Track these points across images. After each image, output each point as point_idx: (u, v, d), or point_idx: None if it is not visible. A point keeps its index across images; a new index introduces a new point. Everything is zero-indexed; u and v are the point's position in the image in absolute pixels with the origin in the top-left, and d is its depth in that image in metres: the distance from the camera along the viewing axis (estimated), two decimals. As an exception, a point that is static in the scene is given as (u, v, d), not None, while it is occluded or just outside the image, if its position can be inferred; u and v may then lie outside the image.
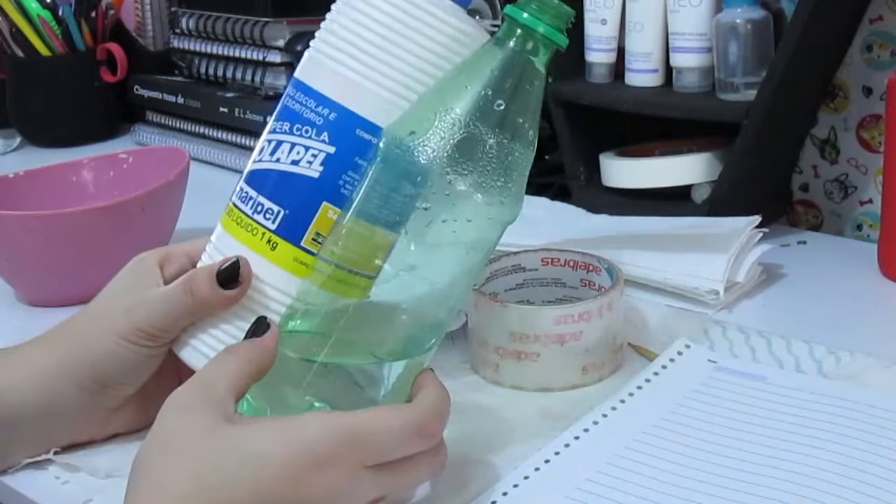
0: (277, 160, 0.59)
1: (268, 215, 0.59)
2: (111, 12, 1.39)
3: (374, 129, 0.57)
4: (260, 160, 0.60)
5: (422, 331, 0.57)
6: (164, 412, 0.51)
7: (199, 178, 0.98)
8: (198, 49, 1.31)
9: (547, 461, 0.60)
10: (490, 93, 0.54)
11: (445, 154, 0.53)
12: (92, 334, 0.61)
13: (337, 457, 0.49)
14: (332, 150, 0.58)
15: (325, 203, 0.58)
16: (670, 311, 0.79)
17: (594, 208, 0.97)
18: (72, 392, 0.60)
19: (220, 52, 1.28)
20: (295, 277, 0.58)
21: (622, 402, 0.66)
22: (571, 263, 0.76)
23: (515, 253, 0.77)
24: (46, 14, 1.33)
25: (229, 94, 1.25)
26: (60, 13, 1.34)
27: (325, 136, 0.58)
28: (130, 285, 0.62)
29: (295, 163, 0.58)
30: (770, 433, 0.61)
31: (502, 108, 0.54)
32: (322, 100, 0.58)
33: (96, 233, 0.83)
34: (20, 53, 1.34)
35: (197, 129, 1.29)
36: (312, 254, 0.58)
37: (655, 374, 0.69)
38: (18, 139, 1.39)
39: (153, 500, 0.48)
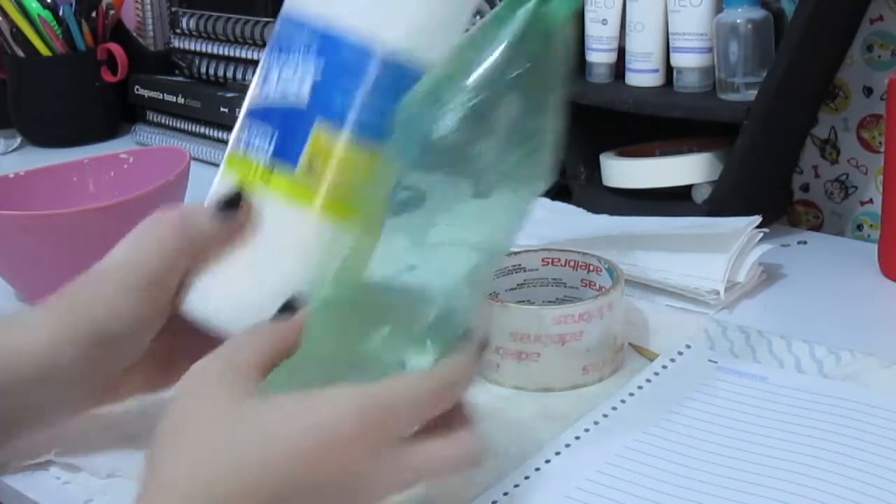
0: (266, 96, 0.58)
1: (260, 148, 0.57)
2: (111, 12, 1.39)
3: (363, 49, 0.55)
4: (250, 98, 0.59)
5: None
6: (180, 392, 0.49)
7: (199, 178, 0.98)
8: (198, 49, 1.31)
9: (547, 461, 0.60)
10: (508, 61, 0.52)
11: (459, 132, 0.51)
12: (91, 290, 0.58)
13: (357, 436, 0.46)
14: (319, 77, 0.56)
15: (316, 125, 0.56)
16: (671, 311, 0.79)
17: (594, 208, 0.97)
18: (71, 352, 0.57)
19: (220, 52, 1.28)
20: (292, 209, 0.56)
21: (622, 402, 0.66)
22: (572, 263, 0.76)
23: (515, 253, 0.77)
24: (47, 14, 1.33)
25: (230, 94, 1.25)
26: (61, 13, 1.34)
27: (311, 61, 0.56)
28: (127, 241, 0.60)
29: (283, 94, 0.57)
30: (770, 433, 0.61)
31: (522, 78, 0.51)
32: (305, 25, 0.57)
33: (96, 233, 0.83)
34: (21, 53, 1.34)
35: (197, 129, 1.29)
36: (307, 182, 0.55)
37: (656, 374, 0.69)
38: (19, 139, 1.39)
39: (163, 492, 0.46)
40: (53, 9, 1.34)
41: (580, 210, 0.98)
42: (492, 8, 1.07)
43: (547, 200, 0.99)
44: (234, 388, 0.48)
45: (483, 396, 0.68)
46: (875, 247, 0.86)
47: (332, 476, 0.46)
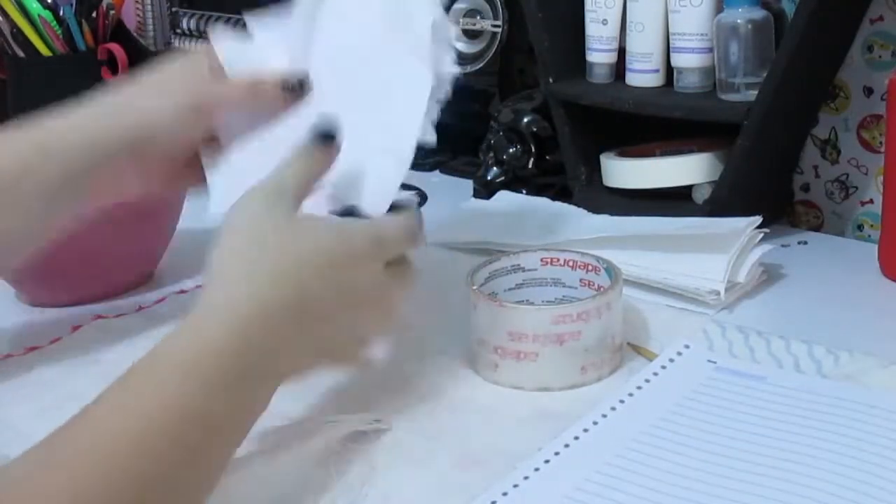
0: None
1: None
2: (112, 12, 1.38)
3: None
4: None
5: None
6: (234, 212, 0.59)
7: (199, 178, 0.98)
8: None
9: (547, 461, 0.60)
10: None
11: None
12: (145, 94, 0.70)
13: (369, 252, 0.60)
14: None
15: None
16: (670, 311, 0.79)
17: (595, 208, 0.97)
18: (113, 145, 0.68)
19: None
20: None
21: (622, 402, 0.66)
22: (571, 263, 0.76)
23: (515, 253, 0.77)
24: (47, 14, 1.33)
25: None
26: (61, 13, 1.33)
27: None
28: (187, 65, 0.72)
29: None
30: (769, 433, 0.61)
31: None
32: None
33: (96, 233, 0.83)
34: (21, 54, 1.33)
35: (198, 130, 1.29)
36: None
37: (655, 374, 0.69)
38: (19, 139, 1.39)
39: (227, 285, 0.56)
40: (54, 9, 1.33)
41: (580, 210, 0.98)
42: (492, 8, 1.07)
43: (547, 200, 0.99)
44: (278, 210, 0.59)
45: (482, 396, 0.69)
46: (875, 247, 0.86)
47: (353, 278, 0.59)
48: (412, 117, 0.66)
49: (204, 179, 0.73)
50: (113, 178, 0.70)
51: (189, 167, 0.73)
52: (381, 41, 0.70)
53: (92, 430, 0.50)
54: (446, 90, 0.67)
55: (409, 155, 0.65)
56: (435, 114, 0.67)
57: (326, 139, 0.63)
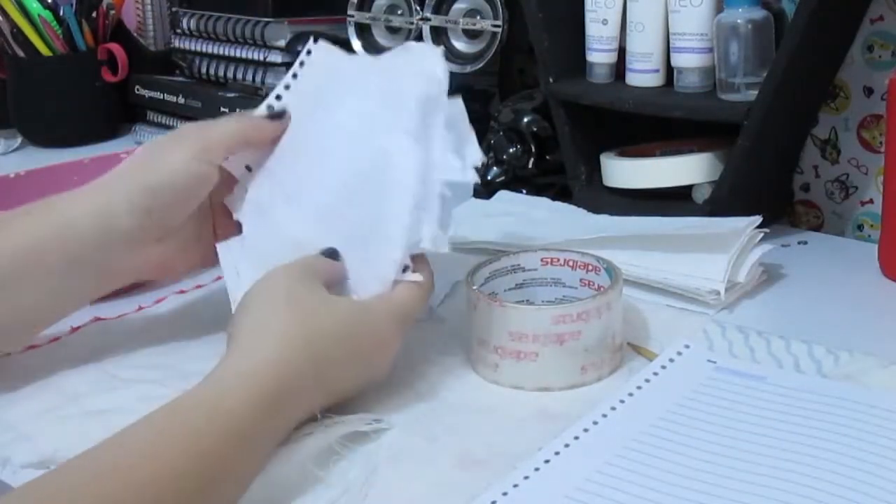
0: None
1: None
2: (112, 12, 1.39)
3: None
4: None
5: None
6: (266, 279, 0.64)
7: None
8: (199, 49, 1.31)
9: (547, 461, 0.60)
10: None
11: None
12: (155, 155, 0.71)
13: (395, 338, 0.66)
14: None
15: None
16: (670, 311, 0.79)
17: (595, 208, 0.97)
18: (124, 209, 0.69)
19: (220, 53, 1.28)
20: None
21: (622, 402, 0.66)
22: (571, 263, 0.76)
23: (515, 253, 0.77)
24: (47, 14, 1.33)
25: (230, 95, 1.25)
26: (61, 13, 1.34)
27: None
28: (188, 128, 0.74)
29: None
30: (769, 433, 0.61)
31: None
32: None
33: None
34: (21, 54, 1.34)
35: (198, 130, 1.29)
36: None
37: (655, 374, 0.69)
38: (19, 139, 1.39)
39: (265, 338, 0.60)
40: (54, 9, 1.34)
41: (580, 210, 0.98)
42: (492, 9, 1.07)
43: (547, 200, 0.99)
44: (312, 282, 0.64)
45: (482, 396, 0.69)
46: (875, 247, 0.86)
47: (382, 357, 0.66)
48: (397, 210, 0.67)
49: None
50: (130, 251, 0.71)
51: (203, 241, 0.76)
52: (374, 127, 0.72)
53: (101, 474, 0.51)
54: (459, 195, 0.69)
55: (398, 245, 0.67)
56: (446, 219, 0.68)
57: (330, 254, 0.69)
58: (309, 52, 0.78)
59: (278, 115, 0.76)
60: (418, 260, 0.68)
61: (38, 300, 0.69)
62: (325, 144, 0.73)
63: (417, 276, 0.67)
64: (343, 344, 0.63)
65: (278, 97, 0.78)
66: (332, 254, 0.69)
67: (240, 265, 0.73)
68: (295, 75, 0.78)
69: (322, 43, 0.78)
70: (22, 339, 0.73)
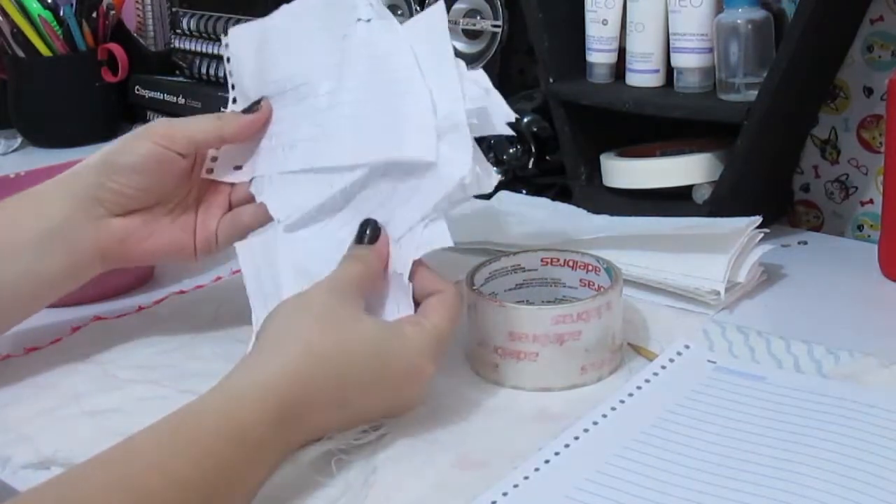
0: None
1: None
2: (112, 13, 1.39)
3: None
4: None
5: None
6: (312, 291, 0.62)
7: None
8: (199, 49, 1.31)
9: (547, 461, 0.60)
10: None
11: None
12: (123, 141, 0.73)
13: (430, 368, 0.63)
14: None
15: None
16: (670, 311, 0.79)
17: (595, 208, 0.97)
18: (89, 183, 0.72)
19: (221, 53, 1.27)
20: None
21: (622, 402, 0.66)
22: (571, 263, 0.76)
23: (515, 253, 0.77)
24: (47, 14, 1.33)
25: (230, 95, 1.24)
26: (61, 13, 1.34)
27: None
28: (159, 121, 0.76)
29: None
30: (769, 433, 0.61)
31: None
32: None
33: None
34: (21, 54, 1.34)
35: (198, 130, 1.29)
36: None
37: (655, 374, 0.69)
38: (19, 139, 1.39)
39: (287, 348, 0.58)
40: (54, 9, 1.34)
41: (580, 210, 0.98)
42: (492, 9, 1.07)
43: (547, 200, 0.99)
44: (353, 298, 0.63)
45: (482, 396, 0.69)
46: (875, 247, 0.86)
47: (415, 389, 0.64)
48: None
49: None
50: (93, 223, 0.73)
51: (178, 225, 0.76)
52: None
53: (108, 477, 0.51)
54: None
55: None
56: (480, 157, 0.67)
57: (372, 235, 0.67)
58: (227, 46, 0.79)
59: (254, 108, 0.76)
60: (438, 281, 0.66)
61: (13, 282, 0.70)
62: (312, 107, 0.74)
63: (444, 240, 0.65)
64: (371, 364, 0.60)
65: (234, 100, 0.79)
66: (373, 228, 0.67)
67: (261, 265, 0.72)
68: (231, 73, 0.79)
69: (233, 29, 0.79)
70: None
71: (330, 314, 0.61)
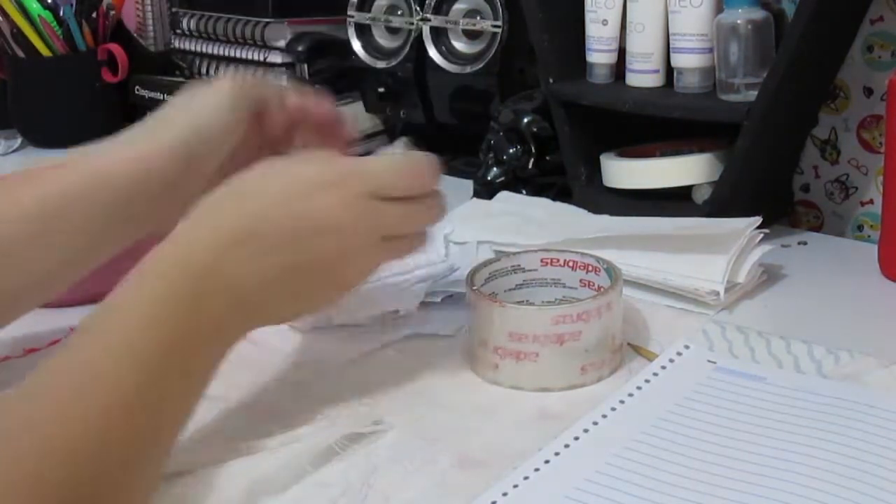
0: None
1: None
2: (112, 13, 1.39)
3: None
4: None
5: None
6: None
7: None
8: (199, 49, 1.31)
9: (547, 461, 0.60)
10: None
11: None
12: (192, 101, 0.71)
13: (341, 182, 0.58)
14: None
15: None
16: (670, 311, 0.79)
17: (595, 209, 0.97)
18: (166, 156, 0.68)
19: (221, 53, 1.28)
20: None
21: (622, 402, 0.66)
22: (571, 264, 0.76)
23: (515, 253, 0.77)
24: (47, 14, 1.33)
25: (230, 95, 1.25)
26: (61, 14, 1.34)
27: None
28: (222, 78, 0.73)
29: None
30: (769, 433, 0.61)
31: None
32: None
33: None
34: (21, 54, 1.34)
35: (198, 130, 1.29)
36: None
37: (655, 374, 0.69)
38: (19, 139, 1.39)
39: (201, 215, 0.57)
40: (54, 9, 1.34)
41: (580, 210, 0.98)
42: (492, 9, 1.07)
43: (547, 201, 0.99)
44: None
45: (482, 396, 0.69)
46: (875, 247, 0.86)
47: (326, 208, 0.58)
48: None
49: None
50: (167, 199, 0.68)
51: None
52: None
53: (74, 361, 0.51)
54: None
55: None
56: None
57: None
58: None
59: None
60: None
61: (68, 249, 0.67)
62: None
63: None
64: (286, 201, 0.58)
65: None
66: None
67: None
68: None
69: None
70: (56, 288, 0.70)
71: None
